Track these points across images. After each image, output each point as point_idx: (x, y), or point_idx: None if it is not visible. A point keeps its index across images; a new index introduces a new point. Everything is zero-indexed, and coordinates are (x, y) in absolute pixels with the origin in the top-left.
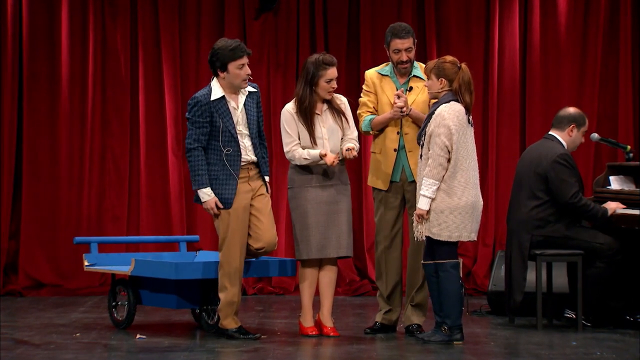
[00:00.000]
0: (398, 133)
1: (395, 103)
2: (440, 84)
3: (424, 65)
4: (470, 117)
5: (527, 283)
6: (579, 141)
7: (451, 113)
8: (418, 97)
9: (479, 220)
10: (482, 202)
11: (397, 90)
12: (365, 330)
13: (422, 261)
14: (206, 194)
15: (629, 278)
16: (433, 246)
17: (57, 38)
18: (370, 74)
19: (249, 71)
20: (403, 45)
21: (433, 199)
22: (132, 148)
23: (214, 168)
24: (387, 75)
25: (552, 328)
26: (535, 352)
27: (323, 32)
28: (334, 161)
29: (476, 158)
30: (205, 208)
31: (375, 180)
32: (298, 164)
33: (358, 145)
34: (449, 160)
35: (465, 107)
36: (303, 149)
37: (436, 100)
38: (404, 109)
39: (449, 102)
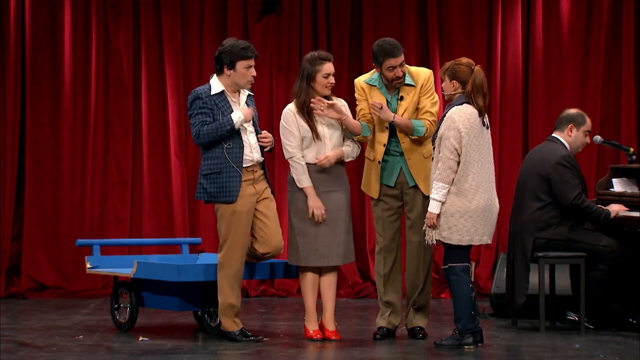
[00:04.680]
0: (384, 145)
1: (374, 106)
2: (453, 86)
3: (412, 70)
4: (486, 119)
5: (529, 285)
6: (580, 141)
7: (461, 116)
8: (409, 105)
9: (493, 224)
10: (497, 206)
11: (386, 101)
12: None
13: (442, 266)
14: (235, 116)
15: (632, 280)
16: (446, 250)
17: (60, 40)
18: (360, 82)
19: (255, 73)
20: (397, 62)
21: (443, 203)
22: (135, 150)
23: (216, 162)
24: (375, 86)
25: (554, 330)
26: (538, 355)
27: (325, 34)
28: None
29: (492, 161)
30: (248, 120)
31: (368, 188)
32: (291, 172)
33: (357, 147)
34: (458, 163)
35: (478, 110)
36: (306, 148)
37: (450, 102)
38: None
39: (461, 104)
